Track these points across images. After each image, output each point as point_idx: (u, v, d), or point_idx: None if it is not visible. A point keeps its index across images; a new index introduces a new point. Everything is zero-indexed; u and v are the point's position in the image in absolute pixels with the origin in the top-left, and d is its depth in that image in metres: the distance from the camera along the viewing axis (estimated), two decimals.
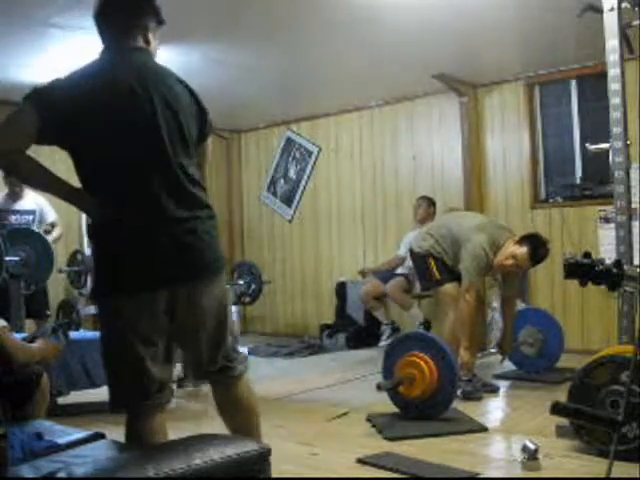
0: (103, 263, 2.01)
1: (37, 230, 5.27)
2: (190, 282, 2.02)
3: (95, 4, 2.11)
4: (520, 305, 5.70)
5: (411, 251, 4.72)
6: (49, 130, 1.91)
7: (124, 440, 2.01)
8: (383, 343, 6.02)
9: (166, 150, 2.00)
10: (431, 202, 6.25)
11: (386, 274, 6.27)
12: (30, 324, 5.10)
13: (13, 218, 5.15)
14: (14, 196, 5.28)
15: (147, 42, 2.11)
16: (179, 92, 2.10)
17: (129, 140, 1.98)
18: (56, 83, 1.98)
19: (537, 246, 4.17)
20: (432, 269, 4.40)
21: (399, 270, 6.24)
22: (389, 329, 6.27)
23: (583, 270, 2.01)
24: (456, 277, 4.35)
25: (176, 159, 2.02)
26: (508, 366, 4.81)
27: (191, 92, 2.14)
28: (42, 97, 1.92)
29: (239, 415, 2.20)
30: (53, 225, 5.51)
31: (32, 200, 5.32)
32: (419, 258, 4.52)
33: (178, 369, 4.24)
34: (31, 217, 5.30)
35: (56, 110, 1.92)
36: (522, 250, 4.15)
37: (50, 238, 5.17)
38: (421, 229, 5.32)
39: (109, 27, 2.09)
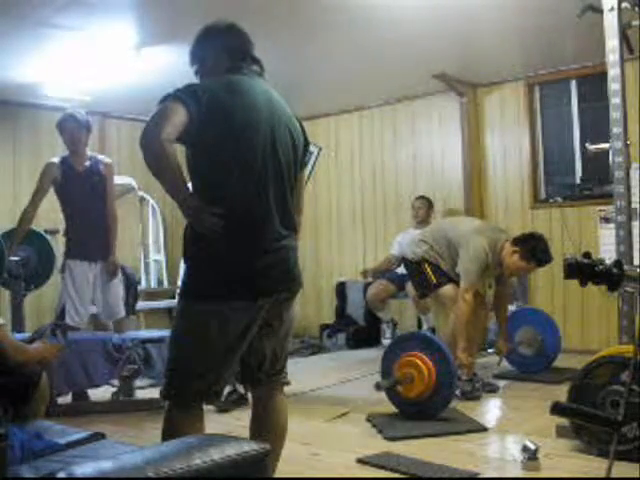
0: (216, 269, 2.08)
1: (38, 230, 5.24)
2: (289, 292, 2.20)
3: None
4: (513, 305, 5.69)
5: (404, 259, 4.72)
6: (193, 128, 1.99)
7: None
8: (387, 341, 5.96)
9: (283, 171, 2.16)
10: (431, 204, 6.21)
11: (394, 275, 6.06)
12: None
13: None
14: None
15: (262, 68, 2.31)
16: (294, 119, 2.27)
17: (257, 157, 2.09)
18: (198, 87, 2.07)
19: (532, 248, 4.16)
20: (428, 274, 4.42)
21: None
22: (391, 326, 6.23)
23: (583, 270, 2.00)
24: (453, 280, 4.36)
25: (288, 181, 2.18)
26: (506, 366, 4.81)
27: (298, 120, 2.32)
28: (189, 97, 2.00)
29: (274, 425, 2.28)
30: None
31: None
32: (413, 265, 4.53)
33: None
34: None
35: (202, 111, 2.00)
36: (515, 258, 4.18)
37: None
38: (414, 232, 5.33)
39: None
